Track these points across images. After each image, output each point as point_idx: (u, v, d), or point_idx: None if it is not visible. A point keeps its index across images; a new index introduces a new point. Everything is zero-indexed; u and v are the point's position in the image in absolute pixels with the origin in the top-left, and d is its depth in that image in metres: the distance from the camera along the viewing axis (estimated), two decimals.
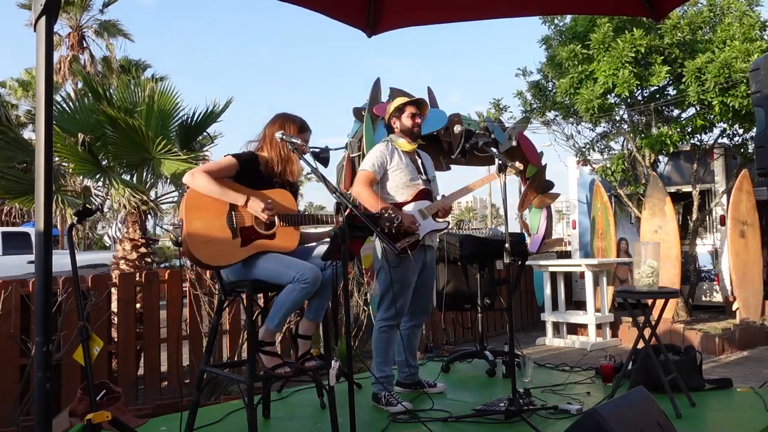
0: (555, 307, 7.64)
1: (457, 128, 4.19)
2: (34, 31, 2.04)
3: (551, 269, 7.63)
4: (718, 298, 8.72)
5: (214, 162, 2.92)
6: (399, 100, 3.75)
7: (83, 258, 10.75)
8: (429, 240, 3.68)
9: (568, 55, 7.85)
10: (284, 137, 2.89)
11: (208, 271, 4.85)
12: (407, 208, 3.59)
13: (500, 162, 3.32)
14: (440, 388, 3.80)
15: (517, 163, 3.59)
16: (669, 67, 7.61)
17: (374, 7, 3.57)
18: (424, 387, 3.76)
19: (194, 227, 2.77)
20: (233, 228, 2.81)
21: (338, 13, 3.56)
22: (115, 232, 5.91)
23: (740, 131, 8.21)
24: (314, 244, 3.08)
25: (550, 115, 9.08)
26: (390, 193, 3.63)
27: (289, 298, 2.76)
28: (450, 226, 4.01)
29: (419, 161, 3.76)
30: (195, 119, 5.66)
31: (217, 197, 2.80)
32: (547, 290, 7.63)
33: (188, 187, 2.85)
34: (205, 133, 5.95)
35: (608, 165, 8.65)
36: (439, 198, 3.75)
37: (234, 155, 2.94)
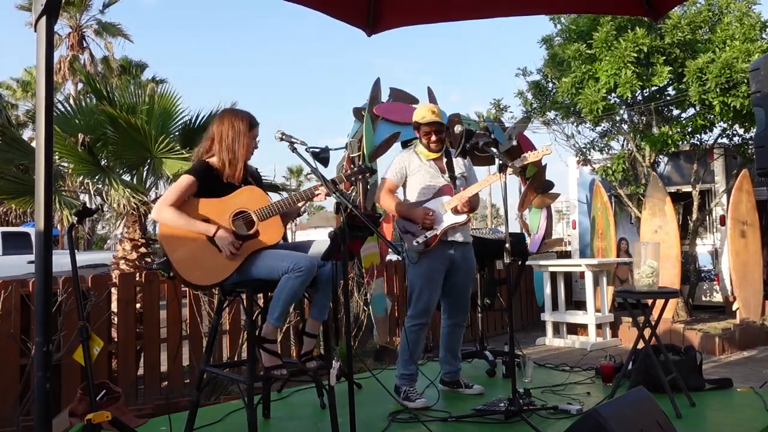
0: (555, 307, 7.64)
1: (457, 128, 4.18)
2: (35, 31, 2.04)
3: (551, 269, 7.63)
4: (718, 298, 8.72)
5: (173, 189, 2.86)
6: (418, 115, 3.72)
7: (83, 258, 10.75)
8: (452, 235, 3.65)
9: (573, 54, 7.84)
10: (284, 137, 2.89)
11: None
12: (427, 204, 3.62)
13: (500, 162, 3.32)
14: (477, 390, 3.77)
15: (528, 154, 3.56)
16: (670, 67, 7.61)
17: (374, 6, 3.57)
18: (461, 387, 3.79)
19: (179, 255, 2.76)
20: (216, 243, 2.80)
21: (338, 12, 3.56)
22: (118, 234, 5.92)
23: (740, 131, 8.21)
24: (307, 240, 3.08)
25: (551, 114, 9.08)
26: (409, 198, 3.70)
27: (286, 287, 2.75)
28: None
29: (444, 160, 3.77)
30: (198, 122, 5.68)
31: (186, 229, 2.78)
32: (547, 290, 7.63)
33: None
34: None
35: (608, 165, 8.65)
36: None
37: (188, 172, 2.91)
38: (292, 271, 2.72)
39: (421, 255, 3.56)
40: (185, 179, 2.86)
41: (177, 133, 5.75)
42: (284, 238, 3.04)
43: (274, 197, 3.81)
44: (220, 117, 2.99)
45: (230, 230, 2.81)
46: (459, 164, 3.82)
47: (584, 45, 7.85)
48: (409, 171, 3.71)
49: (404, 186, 3.75)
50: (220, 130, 2.93)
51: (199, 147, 3.03)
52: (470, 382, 3.82)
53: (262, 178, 3.84)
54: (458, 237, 3.69)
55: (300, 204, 3.03)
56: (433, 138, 3.68)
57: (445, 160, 3.77)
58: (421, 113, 3.70)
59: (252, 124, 2.98)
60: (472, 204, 3.70)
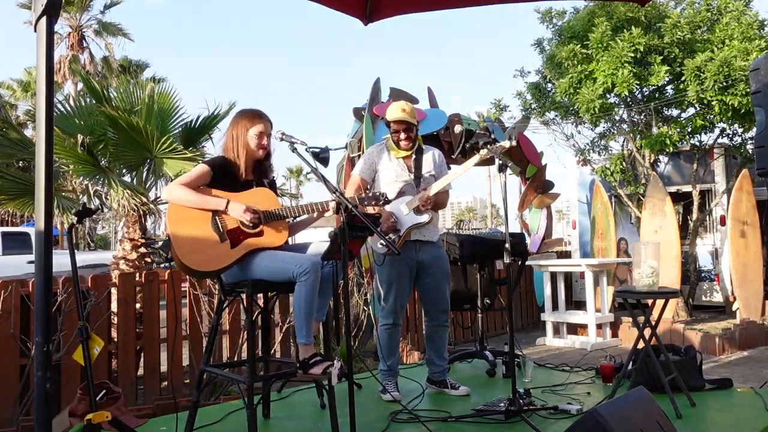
0: (555, 307, 7.64)
1: (457, 128, 4.20)
2: (35, 31, 2.04)
3: (551, 269, 7.63)
4: (718, 298, 8.73)
5: (188, 173, 2.92)
6: (388, 114, 3.75)
7: (83, 258, 10.75)
8: (417, 235, 3.67)
9: (567, 55, 7.86)
10: (284, 137, 2.90)
11: None
12: (388, 207, 3.59)
13: (500, 162, 3.32)
14: (463, 391, 3.75)
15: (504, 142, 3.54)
16: (668, 67, 7.62)
17: None
18: (447, 388, 3.78)
19: (181, 239, 2.77)
20: (220, 232, 2.81)
21: (334, 2, 3.54)
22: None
23: (740, 131, 8.22)
24: (307, 242, 3.09)
25: (550, 115, 9.10)
26: None
27: (301, 295, 2.74)
28: (450, 227, 4.00)
29: (413, 158, 3.77)
30: (198, 123, 5.68)
31: (198, 207, 2.81)
32: (547, 290, 7.63)
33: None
34: (207, 136, 5.97)
35: (607, 166, 8.66)
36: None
37: (205, 162, 2.97)
38: (299, 276, 2.72)
39: (385, 256, 3.60)
40: (200, 167, 2.91)
41: (176, 132, 5.75)
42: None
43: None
44: (232, 119, 3.05)
45: (242, 200, 2.85)
46: (428, 162, 3.80)
47: (579, 45, 7.87)
48: (378, 167, 3.73)
49: (372, 182, 3.76)
50: (229, 132, 3.00)
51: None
52: (457, 383, 3.81)
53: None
54: (422, 236, 3.69)
55: (310, 216, 3.05)
56: (402, 136, 3.69)
57: (414, 158, 3.77)
58: (391, 111, 3.71)
59: (254, 121, 2.99)
60: (437, 202, 3.70)
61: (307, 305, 2.76)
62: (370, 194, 3.05)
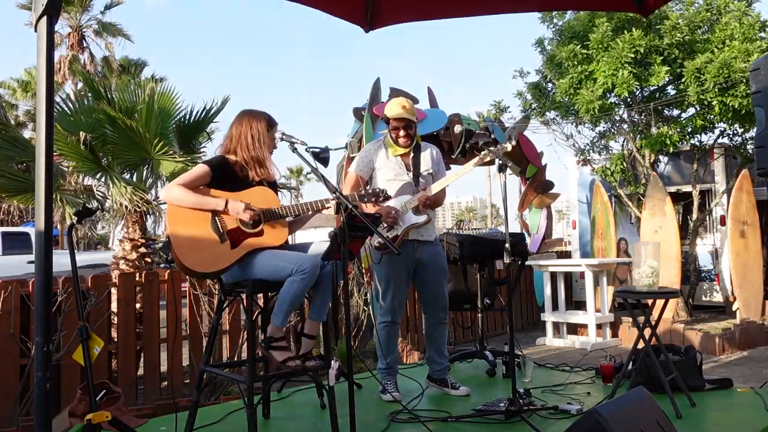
0: (555, 307, 7.64)
1: (457, 128, 4.20)
2: (35, 31, 2.04)
3: (551, 269, 7.63)
4: (718, 298, 8.73)
5: (187, 173, 2.91)
6: (387, 110, 3.72)
7: (83, 258, 10.75)
8: (415, 234, 3.66)
9: (567, 55, 7.86)
10: (284, 137, 2.90)
11: None
12: (388, 203, 3.59)
13: (500, 162, 3.32)
14: (463, 391, 3.74)
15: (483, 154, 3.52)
16: (668, 68, 7.62)
17: (372, 2, 3.56)
18: (447, 387, 3.77)
19: (181, 239, 2.77)
20: (220, 232, 2.81)
21: (336, 9, 3.56)
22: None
23: (740, 131, 8.22)
24: (308, 242, 3.09)
25: (550, 115, 9.10)
26: None
27: (291, 290, 2.76)
28: (450, 227, 4.00)
29: (411, 156, 3.75)
30: (192, 119, 5.65)
31: (196, 207, 2.81)
32: (547, 290, 7.63)
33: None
34: (207, 136, 5.96)
35: (607, 166, 8.66)
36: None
37: (205, 162, 2.97)
38: (296, 273, 2.73)
39: (383, 255, 3.58)
40: (200, 167, 2.90)
41: (174, 132, 5.74)
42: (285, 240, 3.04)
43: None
44: (239, 118, 3.03)
45: (241, 199, 2.84)
46: (426, 160, 3.78)
47: (579, 46, 7.87)
48: (375, 165, 3.71)
49: (370, 179, 3.74)
50: (239, 131, 2.98)
51: (220, 147, 3.07)
52: (457, 383, 3.80)
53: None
54: (420, 236, 3.68)
55: (310, 214, 3.05)
56: (402, 133, 3.66)
57: (412, 155, 3.74)
58: (391, 108, 3.68)
59: (270, 124, 3.02)
60: (435, 201, 3.70)
61: (295, 300, 2.79)
62: (370, 190, 3.05)
